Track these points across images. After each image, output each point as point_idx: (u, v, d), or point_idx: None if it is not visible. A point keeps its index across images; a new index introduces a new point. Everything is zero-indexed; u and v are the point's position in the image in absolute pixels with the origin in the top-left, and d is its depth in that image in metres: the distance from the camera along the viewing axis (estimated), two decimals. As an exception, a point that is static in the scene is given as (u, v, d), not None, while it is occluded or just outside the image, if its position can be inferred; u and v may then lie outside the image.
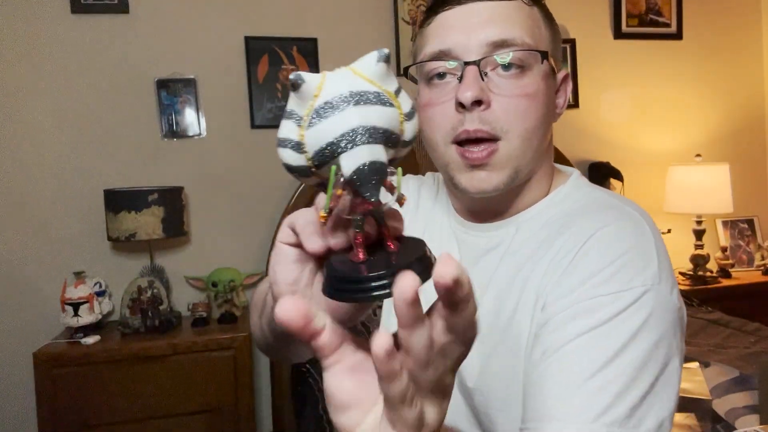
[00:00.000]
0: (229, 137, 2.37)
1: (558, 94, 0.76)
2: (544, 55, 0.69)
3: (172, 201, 2.09)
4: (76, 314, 1.96)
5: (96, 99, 2.24)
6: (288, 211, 2.32)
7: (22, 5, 2.16)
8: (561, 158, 2.59)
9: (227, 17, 2.35)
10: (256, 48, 2.37)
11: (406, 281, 0.32)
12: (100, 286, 2.13)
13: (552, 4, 0.77)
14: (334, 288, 0.37)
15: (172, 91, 2.30)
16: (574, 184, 0.78)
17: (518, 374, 0.68)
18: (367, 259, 0.38)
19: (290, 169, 0.38)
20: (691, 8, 2.88)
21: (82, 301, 1.97)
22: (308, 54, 2.42)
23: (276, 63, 2.39)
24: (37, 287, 2.18)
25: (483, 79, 0.67)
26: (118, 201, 2.03)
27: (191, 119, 2.33)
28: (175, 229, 2.10)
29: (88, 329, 1.99)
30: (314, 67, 2.42)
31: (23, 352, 2.12)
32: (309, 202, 2.55)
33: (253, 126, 2.38)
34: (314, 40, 2.43)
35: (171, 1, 2.29)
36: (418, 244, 0.39)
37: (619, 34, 2.79)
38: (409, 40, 2.52)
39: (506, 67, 0.68)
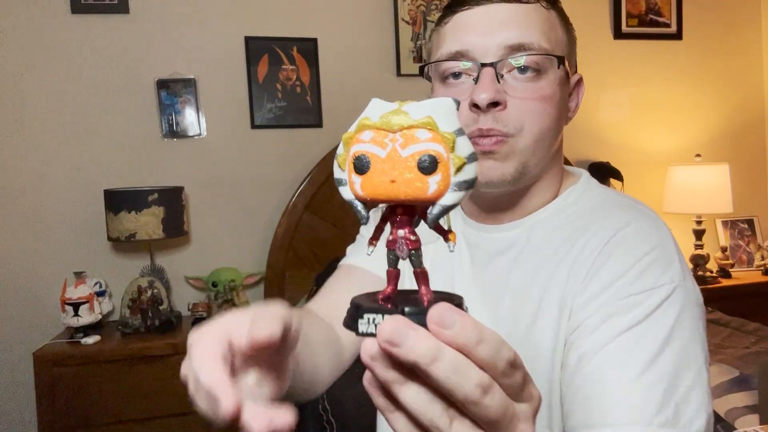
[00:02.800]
0: (229, 137, 2.37)
1: (571, 98, 0.77)
2: (561, 60, 0.69)
3: (172, 201, 2.09)
4: (76, 314, 1.96)
5: (96, 99, 2.24)
6: (288, 211, 2.32)
7: (22, 5, 2.16)
8: (561, 158, 2.58)
9: (227, 17, 2.35)
10: (256, 48, 2.37)
11: (391, 324, 0.30)
12: (100, 286, 2.13)
13: (552, 5, 0.77)
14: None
15: (172, 91, 2.30)
16: (585, 185, 0.79)
17: (539, 382, 0.67)
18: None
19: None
20: (691, 8, 2.88)
21: (82, 301, 1.97)
22: (308, 54, 2.42)
23: (276, 63, 2.39)
24: (37, 287, 2.19)
25: (499, 81, 0.67)
26: (118, 201, 2.03)
27: (191, 119, 2.33)
28: (175, 229, 2.10)
29: (88, 329, 2.00)
30: (314, 67, 2.43)
31: (23, 352, 2.12)
32: (308, 202, 2.50)
33: (253, 126, 2.38)
34: (314, 40, 2.43)
35: (171, 1, 2.29)
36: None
37: (619, 34, 2.79)
38: (409, 40, 2.52)
39: (522, 70, 0.68)
